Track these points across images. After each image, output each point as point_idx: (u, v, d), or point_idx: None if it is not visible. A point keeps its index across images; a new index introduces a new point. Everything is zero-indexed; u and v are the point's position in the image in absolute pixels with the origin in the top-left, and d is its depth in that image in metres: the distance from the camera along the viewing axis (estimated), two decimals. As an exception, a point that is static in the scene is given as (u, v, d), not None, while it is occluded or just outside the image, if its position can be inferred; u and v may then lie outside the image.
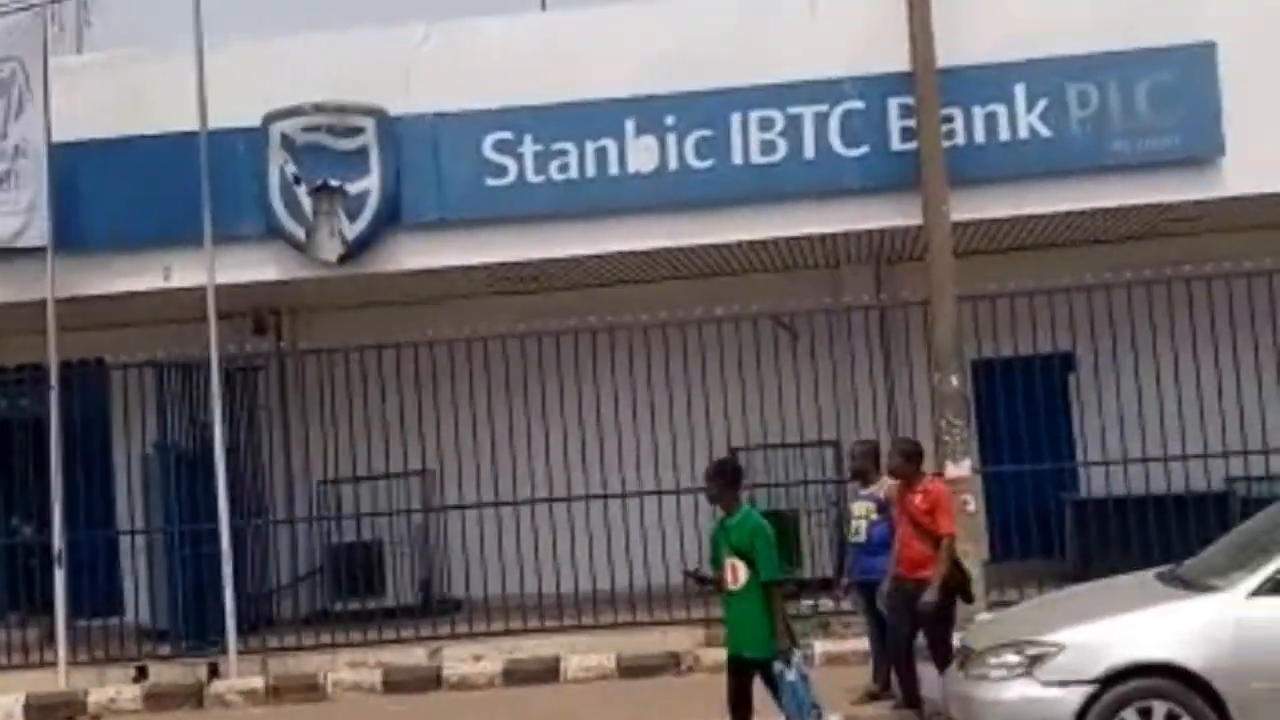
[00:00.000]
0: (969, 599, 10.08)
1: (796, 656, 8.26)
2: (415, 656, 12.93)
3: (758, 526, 8.34)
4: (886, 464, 10.34)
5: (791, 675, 8.14)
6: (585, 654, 12.49)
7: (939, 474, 11.12)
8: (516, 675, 12.42)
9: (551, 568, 13.43)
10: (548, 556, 13.35)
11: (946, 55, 12.02)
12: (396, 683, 12.52)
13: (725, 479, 8.55)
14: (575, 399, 13.47)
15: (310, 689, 12.54)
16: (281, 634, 13.58)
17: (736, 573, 8.31)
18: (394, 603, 13.97)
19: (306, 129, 13.17)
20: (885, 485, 10.48)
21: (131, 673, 13.06)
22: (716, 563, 8.55)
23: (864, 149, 12.58)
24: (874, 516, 10.45)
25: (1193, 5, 12.41)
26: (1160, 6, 12.38)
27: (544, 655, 12.62)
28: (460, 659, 12.79)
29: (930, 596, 9.54)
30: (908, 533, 9.87)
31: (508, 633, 13.13)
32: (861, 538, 10.52)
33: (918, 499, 9.84)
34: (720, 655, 12.01)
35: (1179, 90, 12.37)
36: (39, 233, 13.04)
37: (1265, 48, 12.28)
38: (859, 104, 12.58)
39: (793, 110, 12.62)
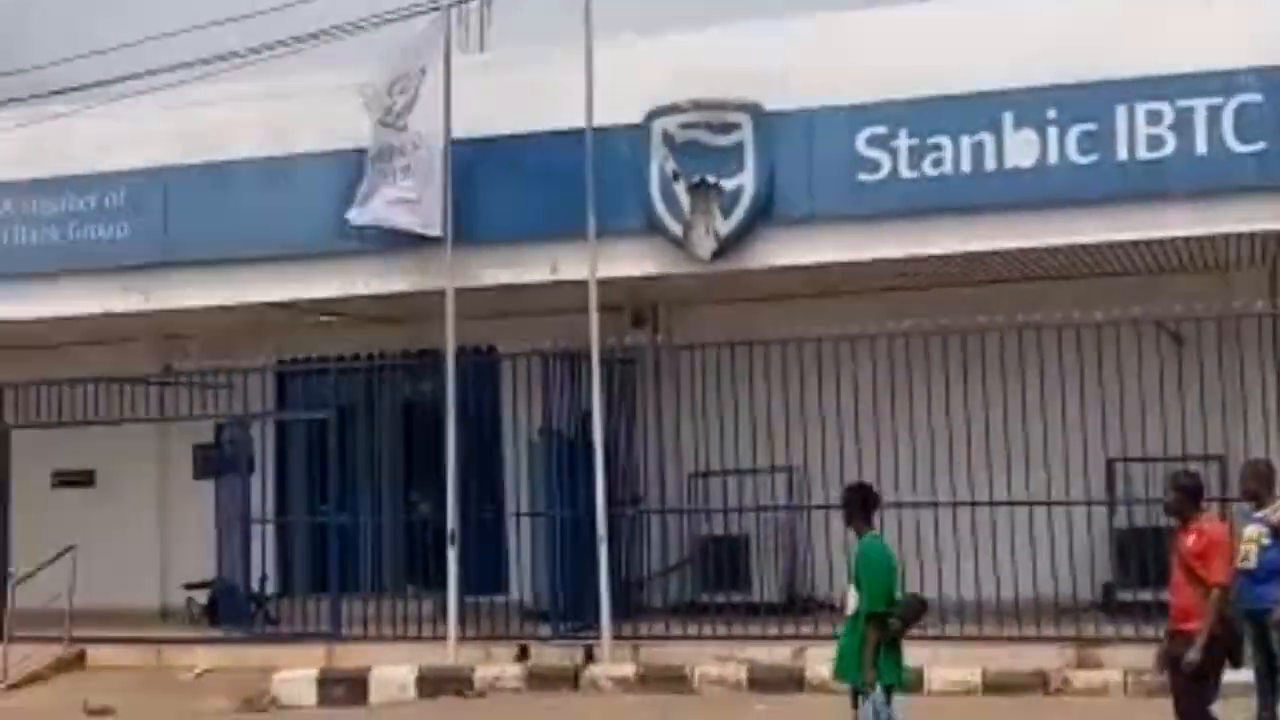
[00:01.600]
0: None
1: (877, 694, 8.12)
2: (779, 655, 12.89)
3: (866, 556, 8.28)
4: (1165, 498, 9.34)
5: (866, 710, 8.09)
6: (949, 667, 12.11)
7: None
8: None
9: (916, 575, 13.18)
10: (913, 562, 13.10)
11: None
12: (760, 680, 12.60)
13: (853, 504, 8.57)
14: (943, 402, 13.18)
15: (677, 680, 12.76)
16: (651, 622, 13.88)
17: (848, 599, 8.34)
18: (758, 598, 14.03)
19: (685, 125, 13.34)
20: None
21: (514, 651, 13.60)
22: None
23: (1260, 145, 11.75)
24: (1265, 542, 9.61)
25: None
26: None
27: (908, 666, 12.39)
28: (823, 661, 12.72)
29: (1193, 655, 8.44)
30: (1180, 578, 8.80)
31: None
32: (1251, 564, 9.65)
33: (1190, 540, 8.74)
34: (1092, 677, 11.72)
35: None
36: (433, 223, 13.66)
37: None
38: (1256, 97, 11.76)
39: (1183, 103, 11.90)
